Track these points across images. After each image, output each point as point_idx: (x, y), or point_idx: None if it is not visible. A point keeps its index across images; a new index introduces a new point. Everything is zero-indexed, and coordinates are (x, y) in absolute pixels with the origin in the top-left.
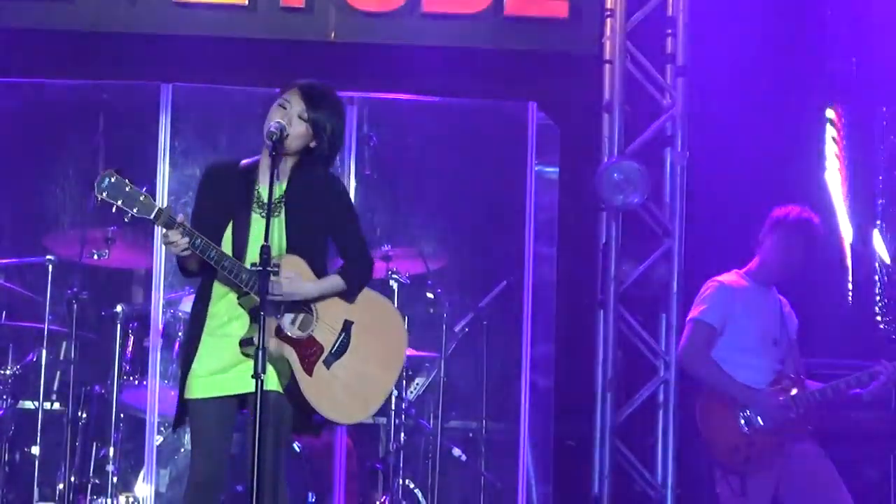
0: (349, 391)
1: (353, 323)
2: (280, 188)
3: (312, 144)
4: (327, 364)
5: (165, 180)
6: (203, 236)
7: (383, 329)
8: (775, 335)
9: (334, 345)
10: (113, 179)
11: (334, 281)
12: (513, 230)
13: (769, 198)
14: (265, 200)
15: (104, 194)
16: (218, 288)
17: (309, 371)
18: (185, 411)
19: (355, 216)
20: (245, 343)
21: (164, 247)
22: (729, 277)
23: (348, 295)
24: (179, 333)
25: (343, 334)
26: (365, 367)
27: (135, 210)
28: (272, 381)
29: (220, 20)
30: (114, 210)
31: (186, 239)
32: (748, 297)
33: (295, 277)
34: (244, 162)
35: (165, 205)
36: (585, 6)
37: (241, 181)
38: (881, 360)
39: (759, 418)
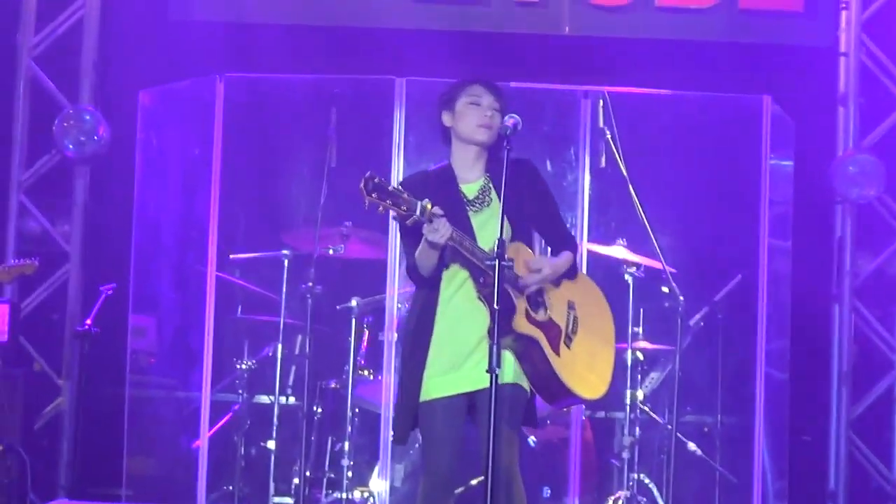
0: (587, 367)
1: (575, 302)
2: (479, 182)
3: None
4: (567, 344)
5: (399, 174)
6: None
7: (596, 305)
8: None
9: (567, 325)
10: (376, 181)
11: (567, 258)
12: (747, 224)
13: None
14: (471, 198)
15: (373, 195)
16: (445, 290)
17: (556, 352)
18: (411, 421)
19: (552, 195)
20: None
21: (398, 240)
22: None
23: (572, 272)
24: None
25: (571, 314)
26: (593, 342)
27: (403, 208)
28: (507, 374)
29: (453, 14)
30: (380, 210)
31: (449, 227)
32: None
33: (539, 264)
34: (432, 168)
35: (425, 200)
36: None
37: (440, 186)
38: None
39: None
